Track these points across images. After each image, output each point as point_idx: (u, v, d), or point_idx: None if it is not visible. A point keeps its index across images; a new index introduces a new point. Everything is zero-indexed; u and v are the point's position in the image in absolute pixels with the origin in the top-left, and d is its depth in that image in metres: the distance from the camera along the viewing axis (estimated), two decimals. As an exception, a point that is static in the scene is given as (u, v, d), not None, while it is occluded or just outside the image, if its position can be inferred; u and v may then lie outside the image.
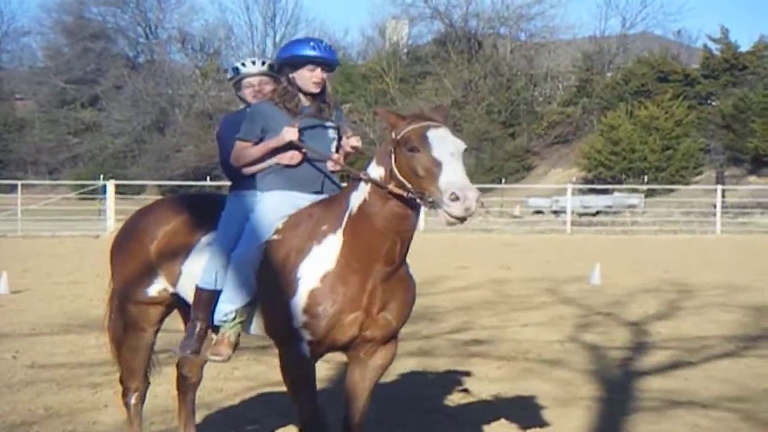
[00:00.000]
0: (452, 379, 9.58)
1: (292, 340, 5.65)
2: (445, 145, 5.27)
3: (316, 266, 5.58)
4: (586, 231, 38.11)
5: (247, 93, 6.81)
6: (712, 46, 59.20)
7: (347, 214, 5.60)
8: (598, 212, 44.67)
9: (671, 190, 47.93)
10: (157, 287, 6.45)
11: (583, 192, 48.29)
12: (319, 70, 6.06)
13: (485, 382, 9.42)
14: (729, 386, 9.35)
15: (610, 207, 44.87)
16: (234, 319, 6.00)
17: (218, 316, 6.05)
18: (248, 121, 6.15)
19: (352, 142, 6.16)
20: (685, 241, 31.60)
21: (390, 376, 9.58)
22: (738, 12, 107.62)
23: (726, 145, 52.81)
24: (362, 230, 5.51)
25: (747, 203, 43.67)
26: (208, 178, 50.34)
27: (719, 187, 40.07)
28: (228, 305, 5.98)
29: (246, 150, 6.09)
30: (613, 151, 52.90)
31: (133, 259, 6.52)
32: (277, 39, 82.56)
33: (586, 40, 66.23)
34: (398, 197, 5.37)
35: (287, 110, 6.07)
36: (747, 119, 51.55)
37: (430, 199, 5.16)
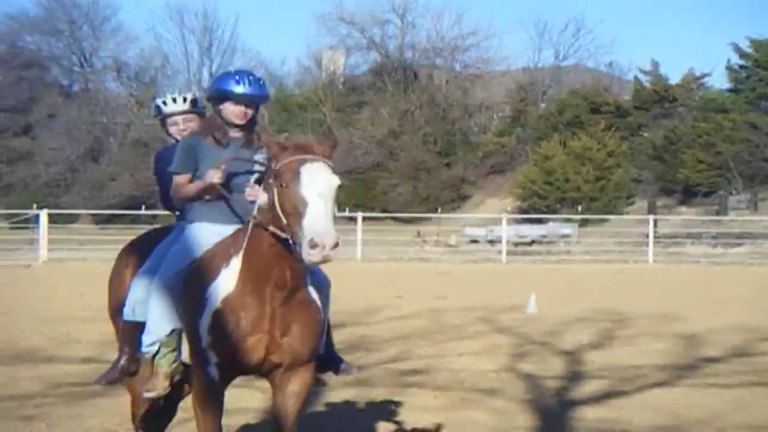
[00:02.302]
0: (388, 410, 9.58)
1: (201, 363, 5.69)
2: (315, 183, 5.22)
3: (221, 288, 5.65)
4: (521, 260, 38.37)
5: (173, 131, 6.88)
6: (643, 78, 60.20)
7: (246, 238, 5.63)
8: (533, 242, 45.01)
9: (604, 220, 48.46)
10: None
11: (518, 221, 48.62)
12: (243, 105, 6.06)
13: (422, 412, 9.43)
14: (662, 415, 9.47)
15: (544, 236, 45.24)
16: (158, 351, 5.99)
17: (142, 348, 6.06)
18: (179, 155, 6.16)
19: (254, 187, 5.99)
20: (618, 270, 31.91)
21: (326, 406, 9.58)
22: (668, 45, 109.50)
23: (657, 175, 53.59)
24: (254, 255, 5.58)
25: (678, 233, 44.27)
26: (143, 206, 49.94)
27: (651, 217, 40.62)
28: (149, 336, 5.99)
29: (182, 187, 6.13)
30: (547, 181, 53.38)
31: (114, 286, 6.74)
32: (214, 68, 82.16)
33: (520, 72, 66.86)
34: (273, 234, 5.41)
35: (216, 141, 6.07)
36: (677, 150, 52.38)
37: (295, 240, 5.18)
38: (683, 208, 51.74)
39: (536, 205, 52.90)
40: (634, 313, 18.30)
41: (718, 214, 47.12)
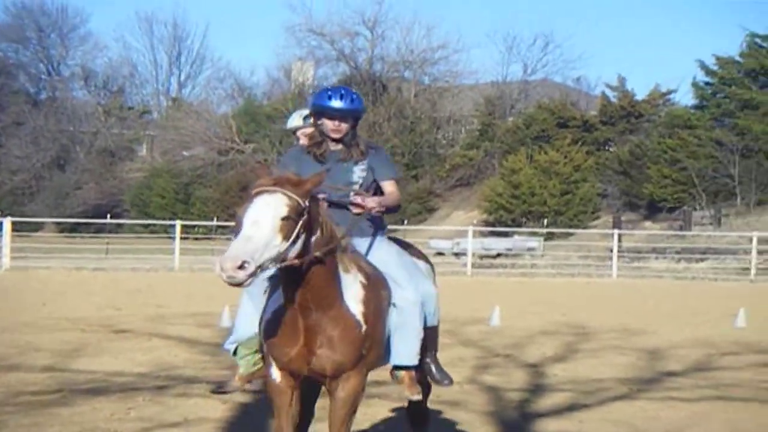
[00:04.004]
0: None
1: (267, 363, 6.15)
2: (255, 212, 5.45)
3: (276, 299, 6.04)
4: (486, 273, 38.44)
5: (302, 143, 7.38)
6: (610, 93, 60.55)
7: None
8: (498, 255, 45.12)
9: (569, 234, 48.68)
10: None
11: (483, 234, 48.73)
12: (336, 120, 6.43)
13: (384, 425, 9.44)
14: (622, 428, 9.52)
15: (510, 250, 45.38)
16: (238, 350, 6.45)
17: (226, 345, 6.59)
18: (283, 162, 6.66)
19: (356, 199, 6.39)
20: (583, 284, 32.08)
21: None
22: (634, 61, 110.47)
23: (622, 190, 53.90)
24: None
25: (642, 248, 44.52)
26: (108, 215, 49.65)
27: (616, 232, 40.81)
28: (233, 336, 6.50)
29: None
30: (513, 194, 53.55)
31: None
32: (182, 78, 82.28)
33: (488, 85, 67.11)
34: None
35: (314, 156, 6.48)
36: (643, 165, 52.71)
37: None
38: (648, 223, 52.05)
39: (502, 218, 53.07)
40: (597, 327, 18.41)
41: (682, 229, 47.40)
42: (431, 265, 7.13)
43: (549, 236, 47.49)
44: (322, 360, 5.97)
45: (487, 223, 53.56)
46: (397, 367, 6.45)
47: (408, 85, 67.23)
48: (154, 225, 54.06)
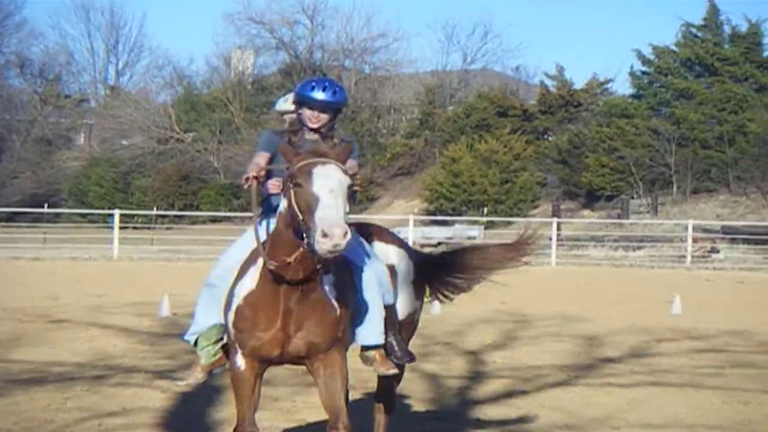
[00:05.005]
0: (289, 408, 9.60)
1: (231, 353, 6.18)
2: (327, 181, 5.59)
3: (245, 285, 6.08)
4: (427, 262, 38.43)
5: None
6: (549, 83, 61.02)
7: (268, 239, 6.07)
8: (439, 243, 45.23)
9: (509, 222, 48.93)
10: None
11: (424, 223, 48.88)
12: (317, 110, 6.47)
13: (322, 410, 9.45)
14: (559, 414, 9.64)
15: (450, 238, 45.53)
16: (198, 341, 6.41)
17: (186, 336, 6.53)
18: (261, 143, 6.64)
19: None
20: (522, 272, 32.16)
21: (221, 404, 9.51)
22: (573, 51, 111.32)
23: (562, 179, 54.37)
24: (273, 255, 5.90)
25: (581, 236, 44.94)
26: (45, 205, 49.10)
27: (555, 220, 41.17)
28: (193, 327, 6.46)
29: (254, 165, 6.43)
30: (454, 183, 53.75)
31: None
32: (120, 66, 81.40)
33: (428, 75, 67.27)
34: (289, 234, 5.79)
35: (289, 142, 6.45)
36: (581, 154, 53.20)
37: (308, 234, 5.53)
38: (586, 212, 52.57)
39: (443, 207, 53.23)
40: (536, 314, 18.56)
41: (619, 217, 47.95)
42: (405, 249, 7.21)
43: (489, 225, 47.73)
44: (298, 343, 6.03)
45: (427, 212, 53.71)
46: (365, 348, 6.53)
47: (348, 73, 67.15)
48: (93, 214, 53.52)
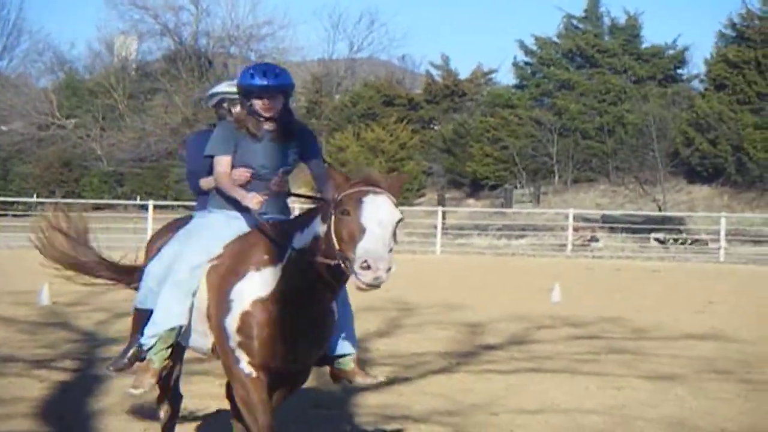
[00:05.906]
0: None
1: (233, 361, 5.84)
2: (376, 213, 5.37)
3: (251, 291, 5.75)
4: (313, 250, 38.48)
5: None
6: (434, 72, 61.63)
7: (289, 252, 5.78)
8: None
9: (395, 211, 49.30)
10: None
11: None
12: (266, 98, 6.14)
13: (205, 399, 9.47)
14: (440, 401, 9.80)
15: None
16: (155, 344, 5.98)
17: (142, 339, 6.04)
18: (217, 139, 6.26)
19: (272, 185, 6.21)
20: (407, 260, 32.54)
21: (100, 394, 9.43)
22: (458, 41, 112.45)
23: (447, 168, 54.97)
24: (295, 274, 5.71)
25: (465, 225, 45.50)
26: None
27: (440, 209, 41.62)
28: (152, 328, 5.99)
29: (225, 178, 6.15)
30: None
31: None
32: (-1, 49, 79.24)
33: (315, 63, 67.25)
34: (321, 262, 5.57)
35: (250, 134, 6.18)
36: (466, 144, 53.87)
37: (346, 264, 5.33)
38: (471, 201, 53.26)
39: (329, 196, 53.22)
40: (420, 303, 18.74)
41: (503, 206, 48.70)
42: None
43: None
44: (302, 356, 5.94)
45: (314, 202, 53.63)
46: (338, 358, 6.34)
47: (234, 61, 66.60)
48: (-30, 202, 52.15)
